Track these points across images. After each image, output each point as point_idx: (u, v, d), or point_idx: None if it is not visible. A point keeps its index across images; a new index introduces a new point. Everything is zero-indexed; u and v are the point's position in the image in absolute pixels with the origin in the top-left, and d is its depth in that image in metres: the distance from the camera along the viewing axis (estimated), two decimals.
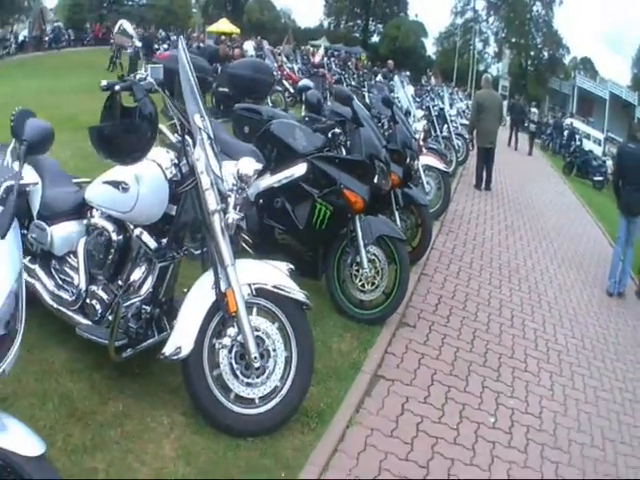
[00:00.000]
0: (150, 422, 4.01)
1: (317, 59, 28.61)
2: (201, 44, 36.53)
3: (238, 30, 55.88)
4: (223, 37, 46.08)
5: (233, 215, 3.94)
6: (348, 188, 5.87)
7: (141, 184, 4.08)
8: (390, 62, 29.52)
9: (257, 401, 4.07)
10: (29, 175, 4.76)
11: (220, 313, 3.94)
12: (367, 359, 5.38)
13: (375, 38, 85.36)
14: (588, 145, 34.49)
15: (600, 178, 26.33)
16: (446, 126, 15.75)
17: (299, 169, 5.97)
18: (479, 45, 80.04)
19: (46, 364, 4.18)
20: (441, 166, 10.59)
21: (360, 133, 6.30)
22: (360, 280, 6.06)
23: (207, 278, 4.01)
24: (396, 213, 7.40)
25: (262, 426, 4.07)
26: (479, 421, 5.03)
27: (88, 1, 63.50)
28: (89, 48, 48.58)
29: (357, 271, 6.06)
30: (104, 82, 3.82)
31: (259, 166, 4.30)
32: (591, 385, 6.53)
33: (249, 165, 4.12)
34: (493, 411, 5.28)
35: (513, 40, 79.80)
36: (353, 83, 23.61)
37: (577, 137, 34.05)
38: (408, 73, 33.28)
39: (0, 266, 2.47)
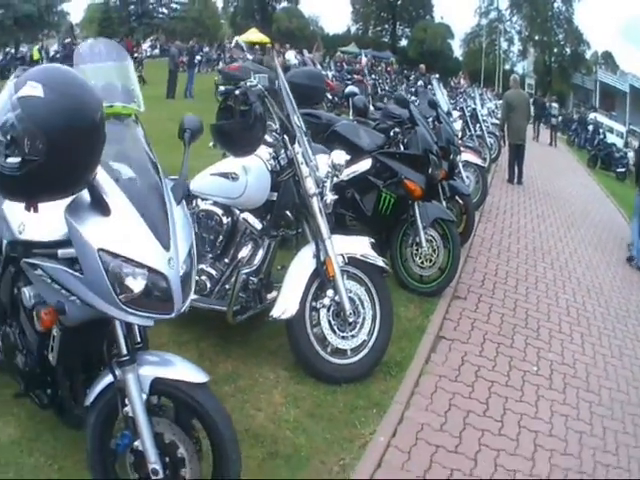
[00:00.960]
0: (258, 378, 4.74)
1: (363, 64, 29.38)
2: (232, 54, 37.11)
3: (268, 39, 54.29)
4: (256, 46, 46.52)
5: (330, 196, 4.78)
6: (408, 178, 6.54)
7: (249, 174, 4.87)
8: (422, 66, 29.92)
9: (349, 353, 4.80)
10: None
11: (318, 279, 4.68)
12: (430, 324, 6.15)
13: (403, 42, 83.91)
14: (611, 138, 34.33)
15: (622, 169, 26.56)
16: (479, 125, 15.96)
17: (365, 164, 6.71)
18: (504, 44, 78.67)
19: (153, 338, 4.36)
20: (478, 161, 11.16)
21: (416, 131, 6.95)
22: (419, 258, 6.79)
23: (306, 251, 4.76)
24: (443, 202, 7.78)
25: (354, 374, 4.78)
26: (525, 369, 5.85)
27: (118, 15, 63.63)
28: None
29: (417, 250, 6.77)
30: (222, 88, 4.63)
31: (348, 157, 5.14)
32: (616, 344, 7.28)
33: (341, 156, 4.98)
34: (535, 362, 6.09)
35: (536, 38, 78.57)
36: (387, 87, 23.98)
37: (600, 131, 34.32)
38: (437, 76, 33.67)
39: (179, 228, 2.94)
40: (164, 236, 2.82)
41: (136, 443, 2.93)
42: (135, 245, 2.73)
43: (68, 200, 2.69)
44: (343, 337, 4.77)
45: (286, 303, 4.57)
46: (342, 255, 4.70)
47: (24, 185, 2.48)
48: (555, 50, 78.44)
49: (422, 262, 6.82)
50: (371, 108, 11.85)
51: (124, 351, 2.90)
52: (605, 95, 60.96)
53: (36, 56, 41.19)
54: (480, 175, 11.25)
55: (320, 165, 4.94)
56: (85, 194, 2.70)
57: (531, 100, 22.90)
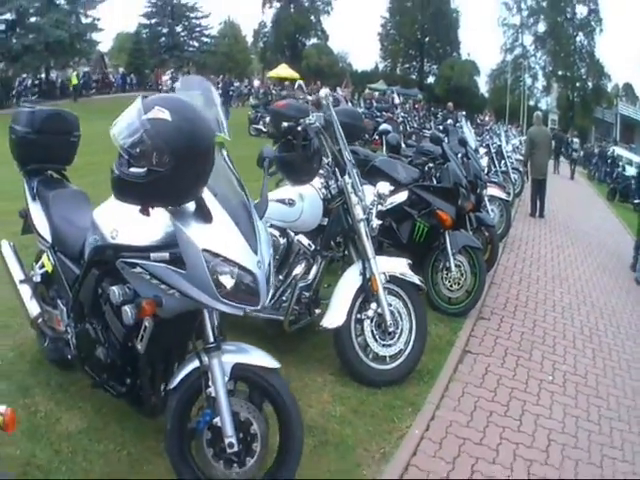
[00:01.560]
0: (308, 381, 5.38)
1: (395, 102, 30.23)
2: (267, 89, 37.76)
3: (297, 75, 54.57)
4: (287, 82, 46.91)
5: (376, 222, 5.46)
6: (440, 209, 7.18)
7: (304, 201, 5.61)
8: (450, 104, 30.40)
9: (388, 359, 5.43)
10: None
11: (363, 294, 5.33)
12: (457, 339, 6.79)
13: (430, 78, 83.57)
14: (630, 171, 34.43)
15: (639, 201, 26.79)
16: (503, 162, 16.41)
17: (401, 196, 7.35)
18: (528, 80, 78.41)
19: None
20: (503, 196, 11.73)
21: (447, 167, 7.60)
22: (449, 282, 7.39)
23: (353, 270, 5.41)
24: (470, 233, 8.14)
25: (392, 378, 5.42)
26: (541, 379, 6.48)
27: (149, 46, 62.91)
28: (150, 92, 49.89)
29: (446, 274, 7.37)
30: (285, 124, 5.31)
31: (392, 188, 5.84)
32: (624, 358, 7.86)
33: (385, 187, 5.68)
34: (551, 373, 6.70)
35: (560, 73, 78.33)
36: (415, 125, 24.42)
37: (620, 164, 34.63)
38: (464, 113, 34.10)
39: (263, 239, 3.41)
40: (253, 243, 3.34)
41: (215, 420, 3.38)
42: (232, 248, 3.25)
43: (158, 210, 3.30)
44: (383, 345, 5.41)
45: (335, 314, 5.21)
46: (384, 273, 5.34)
47: (145, 192, 3.11)
48: (577, 84, 78.23)
49: (451, 285, 7.42)
50: (402, 145, 12.46)
51: (211, 339, 3.42)
52: (626, 127, 60.76)
53: (74, 81, 42.41)
54: (504, 209, 11.80)
55: (367, 195, 5.61)
56: (190, 204, 3.29)
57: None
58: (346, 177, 5.43)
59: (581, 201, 23.76)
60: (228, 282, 3.22)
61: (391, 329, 5.34)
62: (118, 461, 3.99)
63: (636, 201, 17.69)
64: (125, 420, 4.33)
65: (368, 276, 5.26)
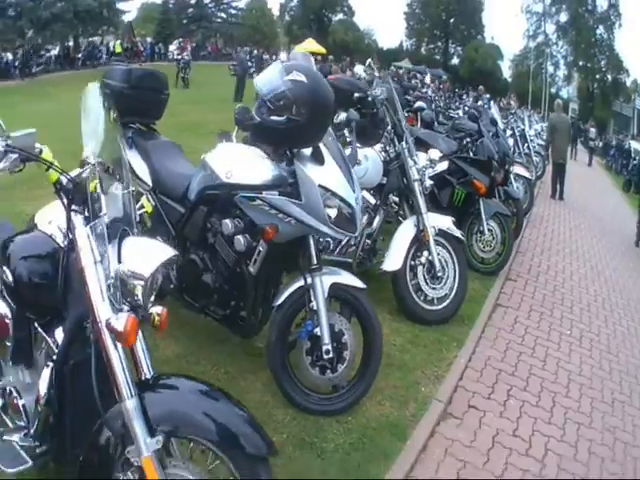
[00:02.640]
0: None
1: (428, 82, 30.96)
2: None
3: (324, 50, 56.33)
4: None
5: (428, 182, 6.36)
6: (476, 178, 7.92)
7: (369, 161, 6.46)
8: (481, 87, 31.00)
9: (436, 301, 6.33)
10: None
11: (417, 244, 6.18)
12: (489, 294, 7.71)
13: (454, 60, 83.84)
14: None
15: None
16: (526, 145, 16.96)
17: (443, 165, 8.07)
18: (550, 68, 78.86)
19: None
20: (527, 175, 12.45)
21: (482, 142, 8.35)
22: (482, 244, 8.24)
23: (408, 223, 6.30)
24: None
25: (439, 318, 6.31)
26: (561, 332, 7.43)
27: (176, 17, 62.43)
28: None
29: (480, 237, 8.22)
30: (357, 94, 6.20)
31: (441, 154, 6.73)
32: (633, 326, 8.76)
33: (436, 153, 6.71)
34: (569, 328, 7.67)
35: (580, 64, 78.34)
36: (441, 104, 24.93)
37: (638, 158, 35.13)
38: (488, 96, 34.58)
39: (356, 181, 4.29)
40: (351, 184, 4.19)
41: (315, 330, 4.17)
42: (338, 185, 4.08)
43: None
44: (433, 289, 6.28)
45: (394, 259, 6.06)
46: (433, 227, 6.19)
47: (282, 135, 4.03)
48: (597, 76, 78.18)
49: (484, 247, 8.27)
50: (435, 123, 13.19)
51: (315, 261, 4.21)
52: None
53: (118, 50, 42.76)
54: (528, 187, 12.52)
55: (420, 159, 6.50)
56: (307, 149, 4.18)
57: None
58: (403, 143, 6.38)
59: (598, 190, 24.58)
60: (333, 213, 4.06)
61: (439, 274, 6.21)
62: (217, 379, 4.55)
63: None
64: (217, 345, 5.01)
65: (421, 228, 6.12)
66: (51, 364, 2.91)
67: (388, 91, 6.60)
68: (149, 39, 55.71)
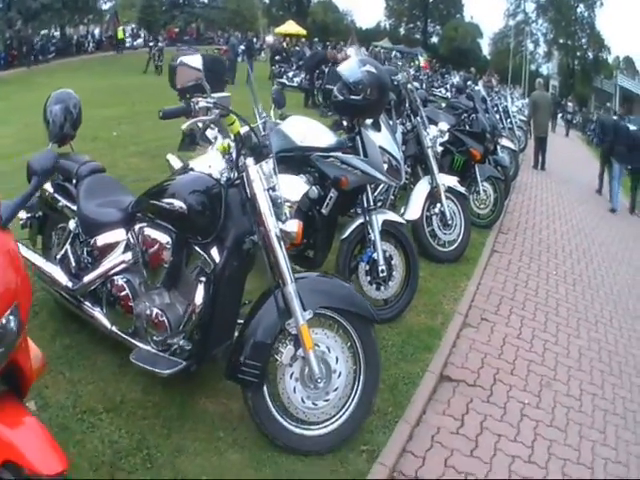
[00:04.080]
0: None
1: (422, 64, 32.49)
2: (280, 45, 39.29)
3: (305, 32, 56.56)
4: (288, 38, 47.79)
5: (439, 148, 7.98)
6: (472, 147, 9.33)
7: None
8: (473, 69, 32.60)
9: (447, 244, 7.86)
10: None
11: (430, 198, 7.65)
12: (486, 242, 9.37)
13: (434, 39, 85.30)
14: None
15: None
16: (509, 120, 18.21)
17: (445, 136, 9.68)
18: (530, 46, 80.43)
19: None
20: (512, 146, 13.96)
21: (477, 117, 9.84)
22: (478, 202, 9.78)
23: (423, 182, 7.73)
24: None
25: (450, 258, 7.87)
26: (548, 272, 9.16)
27: (159, 3, 62.24)
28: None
29: (476, 196, 9.73)
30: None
31: (449, 126, 8.30)
32: (604, 265, 10.68)
33: (445, 125, 8.32)
34: (554, 269, 9.36)
35: (561, 41, 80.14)
36: (424, 85, 26.30)
37: None
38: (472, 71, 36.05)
39: (399, 144, 6.12)
40: (397, 146, 5.88)
41: (373, 255, 5.66)
42: (390, 147, 5.73)
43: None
44: (445, 234, 7.82)
45: (413, 210, 7.46)
46: (443, 184, 7.69)
47: (358, 110, 5.61)
48: (578, 54, 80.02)
49: (479, 205, 9.81)
50: None
51: (372, 203, 5.74)
52: (625, 99, 61.01)
53: (120, 36, 43.84)
54: (513, 157, 14.06)
55: (432, 131, 8.08)
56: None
57: None
58: (418, 118, 7.99)
59: (577, 161, 26.57)
60: (385, 165, 5.62)
61: (450, 223, 7.73)
62: None
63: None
64: None
65: (434, 185, 7.61)
66: (204, 279, 3.81)
67: (404, 77, 8.30)
68: (131, 26, 56.59)
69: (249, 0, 74.35)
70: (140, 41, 49.58)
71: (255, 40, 47.95)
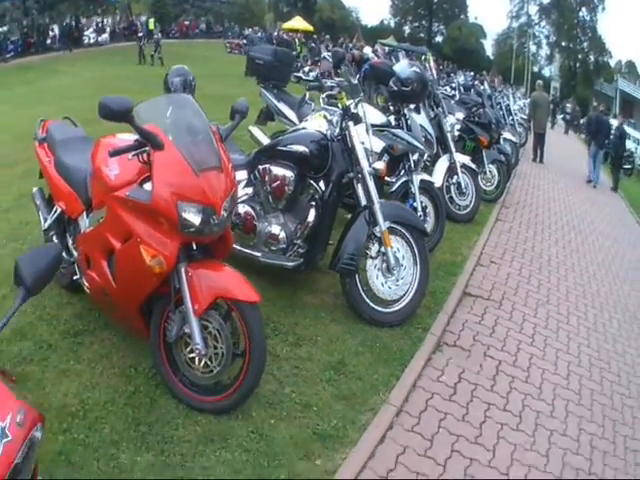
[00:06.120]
0: None
1: (432, 65, 34.04)
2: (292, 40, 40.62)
3: (312, 28, 56.76)
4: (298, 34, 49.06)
5: (455, 132, 10.14)
6: (481, 135, 11.28)
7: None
8: (484, 72, 34.35)
9: (462, 209, 9.90)
10: None
11: (449, 172, 9.55)
12: (492, 213, 11.40)
13: (438, 38, 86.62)
14: (628, 144, 34.88)
15: (628, 167, 31.20)
16: (511, 117, 20.02)
17: (458, 125, 11.75)
18: (533, 48, 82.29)
19: None
20: (514, 139, 15.88)
21: (485, 110, 11.90)
22: (485, 180, 11.67)
23: (443, 159, 9.62)
24: None
25: (466, 219, 9.88)
26: (543, 237, 11.31)
27: None
28: (176, 41, 51.88)
29: (483, 176, 11.60)
30: None
31: (462, 116, 10.43)
32: (591, 238, 12.91)
33: (461, 115, 10.42)
34: (550, 236, 11.47)
35: (563, 44, 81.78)
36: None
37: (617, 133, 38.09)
38: (472, 73, 37.67)
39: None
40: (430, 125, 8.19)
41: (414, 204, 7.62)
42: (427, 125, 8.27)
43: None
44: (460, 200, 9.84)
45: (437, 178, 9.20)
46: (459, 161, 9.66)
47: (405, 97, 8.02)
48: (579, 57, 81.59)
49: (486, 183, 11.73)
50: None
51: (412, 167, 7.70)
52: (625, 103, 61.15)
53: (151, 27, 45.28)
54: (514, 148, 15.85)
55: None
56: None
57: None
58: (440, 108, 9.99)
59: (572, 156, 28.61)
60: (422, 139, 7.81)
61: (465, 191, 9.74)
62: None
63: (626, 167, 22.71)
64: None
65: (452, 161, 9.59)
66: (314, 203, 5.66)
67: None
68: (143, 17, 56.78)
69: None
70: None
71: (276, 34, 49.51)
